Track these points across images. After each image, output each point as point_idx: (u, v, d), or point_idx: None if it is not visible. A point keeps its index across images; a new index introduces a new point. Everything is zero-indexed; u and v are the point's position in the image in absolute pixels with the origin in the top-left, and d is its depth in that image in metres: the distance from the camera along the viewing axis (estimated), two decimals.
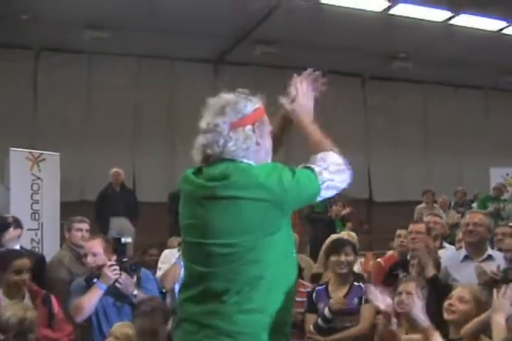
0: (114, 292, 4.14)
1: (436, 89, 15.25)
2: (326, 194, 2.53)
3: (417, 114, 15.32)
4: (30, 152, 9.08)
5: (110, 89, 12.21)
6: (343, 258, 4.62)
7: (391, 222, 9.27)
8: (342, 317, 4.43)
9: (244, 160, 2.50)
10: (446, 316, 3.67)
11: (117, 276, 4.02)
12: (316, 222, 10.42)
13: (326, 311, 4.42)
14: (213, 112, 2.52)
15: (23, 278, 4.20)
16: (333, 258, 4.69)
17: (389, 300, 3.60)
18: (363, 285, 4.54)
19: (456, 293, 3.74)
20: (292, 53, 12.63)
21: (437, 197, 11.31)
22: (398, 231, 5.89)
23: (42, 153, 9.13)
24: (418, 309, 3.35)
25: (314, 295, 4.66)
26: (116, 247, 4.11)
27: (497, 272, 4.24)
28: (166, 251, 5.65)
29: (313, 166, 2.52)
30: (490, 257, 4.75)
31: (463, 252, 4.87)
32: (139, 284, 4.16)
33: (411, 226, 5.47)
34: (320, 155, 2.60)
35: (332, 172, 2.54)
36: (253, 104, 2.60)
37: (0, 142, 10.56)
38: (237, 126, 2.51)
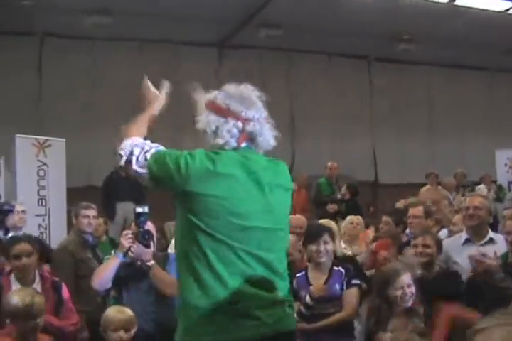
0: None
1: (440, 71, 15.18)
2: None
3: (422, 96, 15.26)
4: (36, 138, 9.14)
5: (114, 74, 12.20)
6: (321, 247, 4.51)
7: None
8: (324, 304, 4.42)
9: None
10: None
11: (130, 244, 4.05)
12: (323, 206, 10.45)
13: (307, 298, 4.41)
14: (254, 104, 2.69)
15: (22, 263, 4.26)
16: (312, 247, 4.57)
17: None
18: (342, 270, 4.55)
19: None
20: (297, 36, 12.60)
21: (441, 179, 11.30)
22: (384, 218, 5.86)
23: (47, 139, 9.20)
24: None
25: (295, 282, 4.59)
26: (134, 218, 4.14)
27: (494, 258, 4.24)
28: None
29: None
30: (491, 240, 4.75)
31: (464, 235, 4.84)
32: (164, 266, 4.18)
33: (410, 210, 5.49)
34: None
35: None
36: None
37: (6, 129, 10.59)
38: None
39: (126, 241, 4.08)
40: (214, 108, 2.68)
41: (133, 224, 4.16)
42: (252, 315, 2.47)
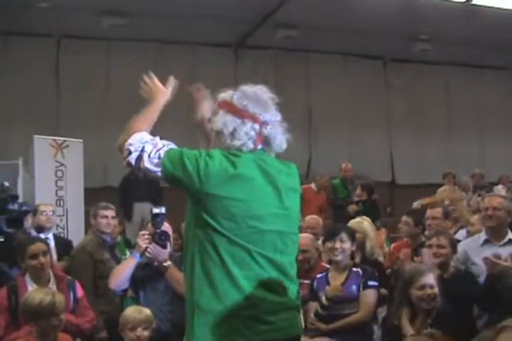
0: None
1: (458, 71, 15.07)
2: None
3: (439, 96, 15.15)
4: (54, 139, 9.21)
5: (131, 75, 12.19)
6: (337, 244, 4.59)
7: None
8: (340, 304, 4.46)
9: None
10: None
11: (147, 245, 4.07)
12: (339, 209, 10.41)
13: (323, 299, 4.45)
14: (269, 106, 2.67)
15: (40, 262, 4.29)
16: (328, 245, 4.68)
17: None
18: (361, 271, 4.58)
19: None
20: (313, 37, 12.58)
21: (458, 179, 11.24)
22: (403, 218, 5.83)
23: (65, 140, 9.26)
24: None
25: (315, 283, 4.69)
26: (151, 218, 4.15)
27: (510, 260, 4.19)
28: None
29: None
30: (511, 241, 4.71)
31: (483, 236, 4.82)
32: (180, 267, 4.18)
33: (428, 211, 5.45)
34: None
35: None
36: None
37: (24, 130, 10.70)
38: None
39: (142, 241, 4.10)
40: (231, 109, 2.63)
41: (150, 225, 4.18)
42: (264, 320, 2.44)
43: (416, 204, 8.40)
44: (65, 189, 9.00)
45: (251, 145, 2.60)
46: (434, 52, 13.70)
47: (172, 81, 2.93)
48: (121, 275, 4.18)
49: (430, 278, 3.88)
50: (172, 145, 2.60)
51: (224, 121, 2.61)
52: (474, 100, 15.13)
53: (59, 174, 9.02)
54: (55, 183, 8.93)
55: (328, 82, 13.97)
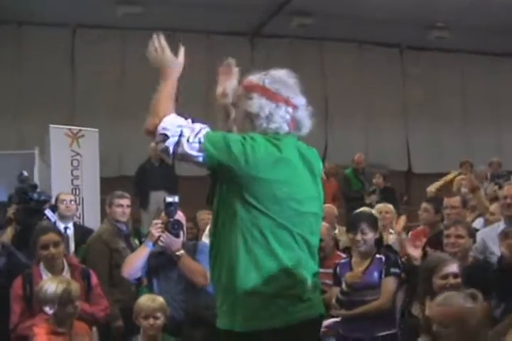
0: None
1: (475, 59, 14.91)
2: None
3: (456, 84, 15.01)
4: (70, 128, 9.23)
5: (146, 64, 12.19)
6: (359, 237, 4.56)
7: None
8: (362, 291, 4.45)
9: None
10: None
11: (160, 234, 4.07)
12: (352, 201, 10.38)
13: (343, 285, 4.45)
14: (297, 90, 2.69)
15: (51, 252, 4.30)
16: (350, 236, 4.68)
17: None
18: (384, 258, 4.55)
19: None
20: (328, 25, 12.49)
21: (475, 168, 11.15)
22: (423, 205, 5.76)
23: (81, 130, 9.28)
24: None
25: (338, 268, 4.70)
26: (164, 207, 4.15)
27: None
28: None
29: None
30: None
31: (501, 225, 4.77)
32: (193, 256, 4.19)
33: (446, 201, 5.40)
34: None
35: None
36: None
37: (40, 119, 10.73)
38: None
39: (155, 230, 4.10)
40: (264, 92, 2.62)
41: (163, 214, 4.17)
42: (304, 298, 2.52)
43: (430, 192, 8.31)
44: (81, 178, 9.03)
45: (286, 128, 2.62)
46: (451, 40, 13.56)
47: (182, 52, 2.83)
48: (134, 263, 4.20)
49: (454, 267, 3.81)
50: (208, 128, 2.51)
51: (260, 104, 2.60)
52: (492, 88, 14.97)
53: (75, 163, 9.05)
54: (70, 172, 8.96)
55: (343, 70, 13.89)
